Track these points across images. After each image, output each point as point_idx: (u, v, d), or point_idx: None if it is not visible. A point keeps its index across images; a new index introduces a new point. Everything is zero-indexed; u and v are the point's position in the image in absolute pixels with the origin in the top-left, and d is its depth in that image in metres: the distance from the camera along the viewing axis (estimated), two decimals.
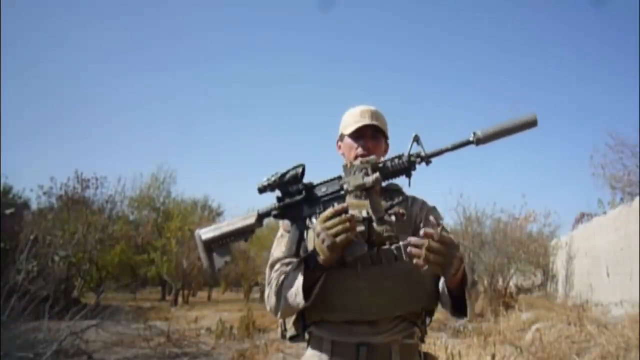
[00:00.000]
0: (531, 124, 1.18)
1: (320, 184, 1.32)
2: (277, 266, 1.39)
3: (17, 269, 6.23)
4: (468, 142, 1.20)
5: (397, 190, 1.47)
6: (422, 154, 1.22)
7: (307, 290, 1.26)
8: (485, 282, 11.94)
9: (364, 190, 1.22)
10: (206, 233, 1.31)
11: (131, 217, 18.42)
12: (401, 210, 1.31)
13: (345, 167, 1.24)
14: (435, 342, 6.06)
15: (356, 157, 1.40)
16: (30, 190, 18.48)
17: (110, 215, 15.53)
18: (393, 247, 1.29)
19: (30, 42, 31.68)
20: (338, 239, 1.18)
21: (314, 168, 1.36)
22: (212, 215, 20.91)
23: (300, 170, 1.29)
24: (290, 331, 1.40)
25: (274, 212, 1.31)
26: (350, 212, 1.21)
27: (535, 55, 35.54)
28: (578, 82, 34.27)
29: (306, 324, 1.39)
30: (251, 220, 1.31)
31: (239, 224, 1.31)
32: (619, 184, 10.56)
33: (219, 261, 1.32)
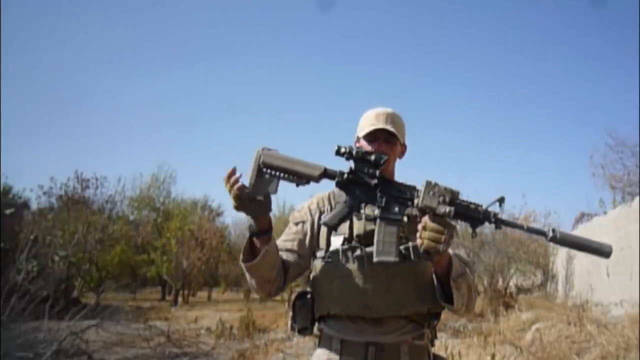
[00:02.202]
0: (603, 254, 1.21)
1: (396, 183, 1.33)
2: None
3: (17, 269, 6.22)
4: (543, 234, 1.22)
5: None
6: (498, 216, 1.23)
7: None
8: (485, 282, 11.93)
9: (425, 214, 1.21)
10: (268, 156, 1.28)
11: (131, 217, 18.43)
12: (414, 212, 1.30)
13: (428, 183, 1.22)
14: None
15: None
16: (30, 190, 18.46)
17: (110, 215, 15.55)
18: (402, 247, 1.30)
19: (30, 42, 31.63)
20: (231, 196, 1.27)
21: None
22: (212, 215, 20.90)
23: (385, 159, 1.28)
24: (300, 324, 1.42)
25: (338, 179, 1.30)
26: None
27: (536, 54, 35.45)
28: (578, 81, 34.23)
29: (315, 317, 1.42)
30: (314, 172, 1.28)
31: (302, 169, 1.28)
32: (619, 184, 10.58)
33: (262, 188, 1.29)
